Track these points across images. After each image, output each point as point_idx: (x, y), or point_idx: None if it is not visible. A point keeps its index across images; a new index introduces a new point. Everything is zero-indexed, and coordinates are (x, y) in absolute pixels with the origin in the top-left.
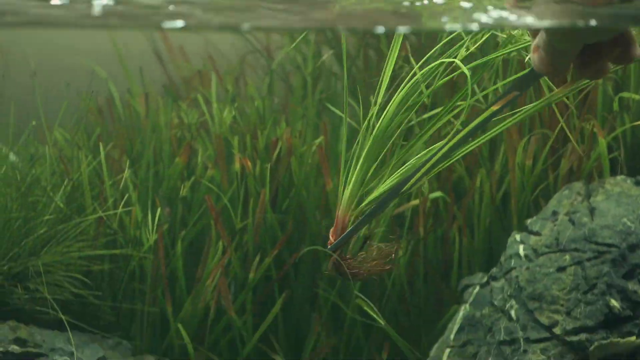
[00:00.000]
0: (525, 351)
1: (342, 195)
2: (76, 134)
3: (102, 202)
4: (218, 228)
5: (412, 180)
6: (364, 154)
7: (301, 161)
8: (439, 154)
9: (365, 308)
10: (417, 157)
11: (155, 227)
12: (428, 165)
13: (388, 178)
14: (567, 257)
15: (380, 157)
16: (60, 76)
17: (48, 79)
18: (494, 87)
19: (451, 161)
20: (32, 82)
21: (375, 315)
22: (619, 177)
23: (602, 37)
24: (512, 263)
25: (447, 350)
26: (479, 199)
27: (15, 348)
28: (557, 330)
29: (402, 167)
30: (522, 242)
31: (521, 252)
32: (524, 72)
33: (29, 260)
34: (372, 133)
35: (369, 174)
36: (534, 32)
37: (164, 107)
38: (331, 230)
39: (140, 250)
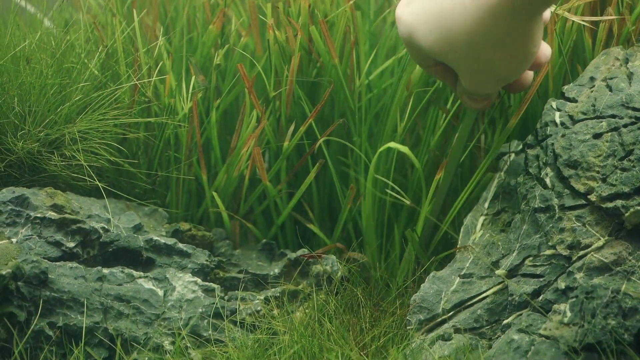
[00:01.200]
0: (560, 218)
1: None
2: (110, 0)
3: (136, 69)
4: (251, 97)
5: None
6: None
7: (331, 27)
8: None
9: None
10: None
11: (189, 96)
12: None
13: None
14: (604, 123)
15: None
16: None
17: None
18: None
19: None
20: None
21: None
22: None
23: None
24: (548, 130)
25: (482, 219)
26: None
27: (52, 214)
28: (592, 197)
29: None
30: (558, 109)
31: (557, 119)
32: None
33: (65, 127)
34: None
35: None
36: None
37: None
38: None
39: (175, 118)
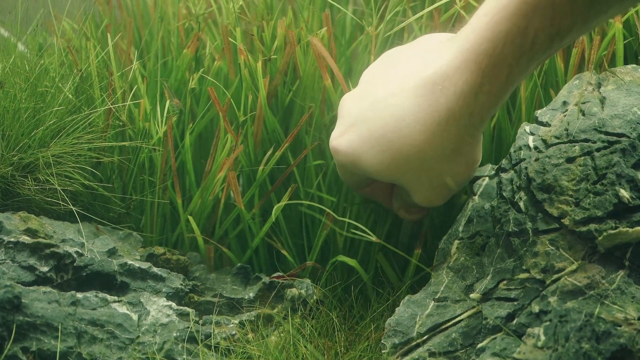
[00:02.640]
0: (533, 242)
1: None
2: (84, 24)
3: (110, 93)
4: (224, 122)
5: None
6: None
7: (306, 52)
8: None
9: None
10: None
11: (164, 119)
12: None
13: None
14: (577, 147)
15: None
16: None
17: None
18: None
19: None
20: None
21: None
22: (630, 66)
23: None
24: (522, 154)
25: (456, 242)
26: None
27: (26, 239)
28: (565, 221)
29: None
30: (531, 133)
31: (530, 143)
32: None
33: (39, 151)
34: None
35: None
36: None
37: None
38: None
39: (150, 142)
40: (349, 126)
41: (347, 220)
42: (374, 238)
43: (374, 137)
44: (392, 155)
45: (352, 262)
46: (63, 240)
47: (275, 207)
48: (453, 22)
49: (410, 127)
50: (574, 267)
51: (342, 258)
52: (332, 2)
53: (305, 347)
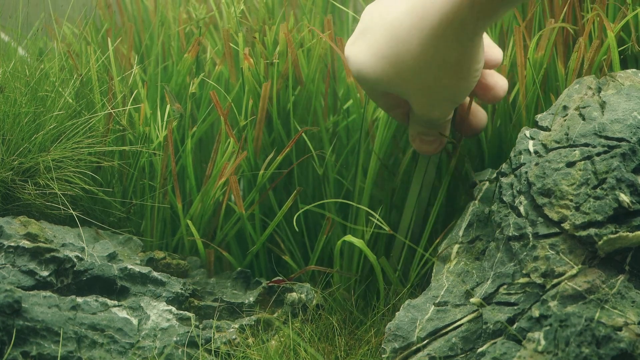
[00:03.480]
0: (534, 246)
1: None
2: (84, 29)
3: (111, 98)
4: (226, 127)
5: None
6: None
7: (308, 56)
8: None
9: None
10: None
11: (164, 124)
12: None
13: None
14: (577, 152)
15: None
16: None
17: None
18: None
19: None
20: None
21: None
22: (630, 71)
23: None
24: (522, 159)
25: (456, 247)
26: None
27: (26, 243)
28: (566, 226)
29: None
30: (531, 137)
31: (530, 147)
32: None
33: (39, 155)
34: None
35: None
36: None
37: (172, 1)
38: None
39: (150, 146)
40: (359, 34)
41: (362, 207)
42: (387, 229)
43: (376, 45)
44: (390, 63)
45: (358, 242)
46: (63, 245)
47: (279, 213)
48: None
49: (406, 33)
50: (574, 271)
51: (349, 238)
52: (334, 2)
53: (305, 350)
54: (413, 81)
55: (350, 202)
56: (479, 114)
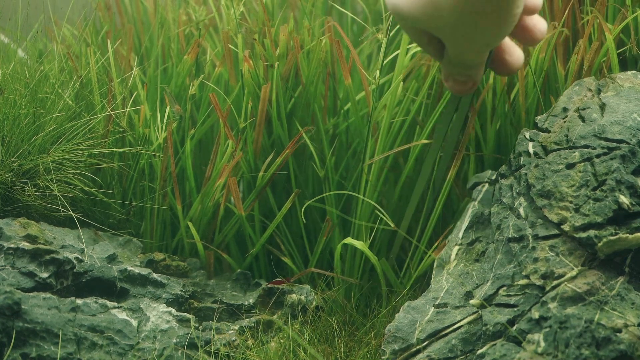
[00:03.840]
0: (533, 248)
1: None
2: (84, 31)
3: (110, 99)
4: (226, 130)
5: None
6: None
7: (309, 58)
8: None
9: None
10: None
11: (164, 125)
12: None
13: None
14: (577, 153)
15: None
16: None
17: None
18: None
19: None
20: None
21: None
22: (630, 72)
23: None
24: (521, 160)
25: (456, 248)
26: (492, 96)
27: (26, 245)
28: (565, 227)
29: None
30: (531, 139)
31: (530, 149)
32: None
33: (39, 157)
34: None
35: None
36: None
37: (172, 3)
38: None
39: (150, 148)
40: None
41: (370, 201)
42: (392, 225)
43: None
44: (431, 2)
45: (359, 244)
46: (63, 247)
47: (278, 214)
48: None
49: None
50: (574, 273)
51: (349, 241)
52: (333, 3)
53: (304, 351)
54: (448, 22)
55: (354, 194)
56: (516, 53)
